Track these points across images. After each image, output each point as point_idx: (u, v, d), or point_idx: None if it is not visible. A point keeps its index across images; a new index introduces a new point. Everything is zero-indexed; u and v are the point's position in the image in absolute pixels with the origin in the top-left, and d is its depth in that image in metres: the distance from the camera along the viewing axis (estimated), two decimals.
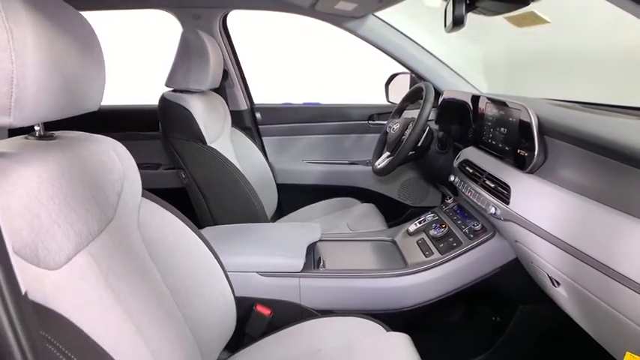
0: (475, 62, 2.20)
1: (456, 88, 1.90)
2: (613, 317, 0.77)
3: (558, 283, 0.97)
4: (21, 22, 0.54)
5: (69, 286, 0.63)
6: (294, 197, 2.10)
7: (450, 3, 1.07)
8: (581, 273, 0.85)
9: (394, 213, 2.03)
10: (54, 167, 0.66)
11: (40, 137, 0.73)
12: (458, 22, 1.06)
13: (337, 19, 1.81)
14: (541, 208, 0.98)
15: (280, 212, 2.12)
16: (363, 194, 2.08)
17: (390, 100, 2.00)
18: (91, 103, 0.73)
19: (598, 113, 1.21)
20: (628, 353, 0.69)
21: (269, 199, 1.96)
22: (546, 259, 0.97)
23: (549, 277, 1.00)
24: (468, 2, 1.06)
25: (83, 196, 0.71)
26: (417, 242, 1.42)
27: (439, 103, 1.80)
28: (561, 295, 0.98)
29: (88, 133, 0.82)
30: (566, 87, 1.91)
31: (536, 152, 1.04)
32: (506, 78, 2.34)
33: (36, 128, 0.74)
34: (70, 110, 0.68)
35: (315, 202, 2.04)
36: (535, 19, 1.15)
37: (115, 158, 0.83)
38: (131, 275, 0.80)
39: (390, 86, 2.02)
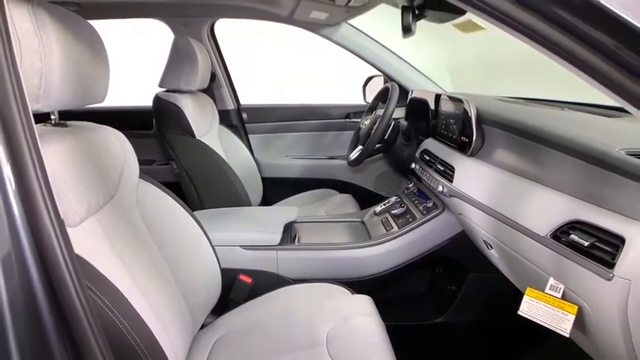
0: (444, 66, 2.40)
1: (423, 88, 2.09)
2: (521, 263, 0.96)
3: (491, 246, 1.16)
4: (48, 31, 0.71)
5: (83, 242, 0.79)
6: (278, 190, 2.28)
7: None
8: (502, 232, 1.04)
9: (370, 203, 2.20)
10: (68, 148, 0.82)
11: (56, 124, 0.90)
12: (407, 30, 1.24)
13: (313, 26, 2.01)
14: (477, 184, 1.17)
15: (265, 204, 2.29)
16: (341, 186, 2.27)
17: (367, 101, 2.19)
18: (99, 96, 0.90)
19: (532, 106, 1.41)
20: (528, 288, 0.87)
21: (255, 192, 2.14)
22: (480, 226, 1.16)
23: (484, 241, 1.19)
24: (415, 12, 1.25)
25: (91, 173, 0.87)
26: (381, 221, 1.61)
27: (407, 101, 1.98)
28: (494, 256, 1.17)
29: (94, 123, 0.98)
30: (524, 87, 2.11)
31: (474, 138, 1.23)
32: (479, 80, 2.54)
33: (52, 117, 0.90)
34: (83, 100, 0.84)
35: (297, 194, 2.22)
36: (474, 26, 1.35)
37: (116, 144, 0.99)
38: (131, 242, 0.95)
39: (366, 88, 2.22)
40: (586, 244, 0.75)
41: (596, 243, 0.74)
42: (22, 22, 0.69)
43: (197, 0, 1.92)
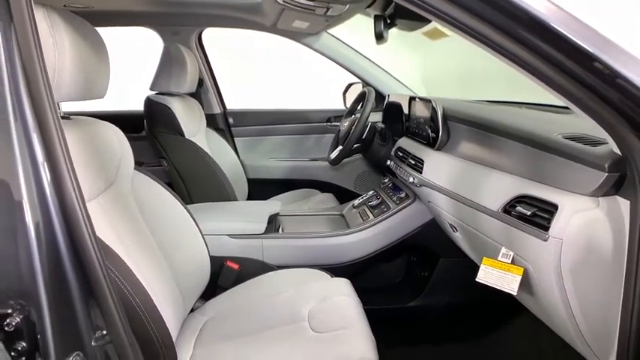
0: (418, 73, 2.56)
1: (398, 93, 2.24)
2: (479, 238, 1.09)
3: (456, 229, 1.29)
4: (61, 32, 0.82)
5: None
6: (263, 190, 2.38)
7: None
8: (463, 213, 1.16)
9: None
10: (73, 139, 0.91)
11: (61, 117, 0.99)
12: (379, 37, 1.38)
13: (296, 35, 2.14)
14: (442, 173, 1.30)
15: None
16: (323, 186, 2.38)
17: (347, 106, 2.33)
18: (101, 91, 0.99)
19: (494, 106, 1.56)
20: (484, 258, 0.99)
21: (240, 192, 2.24)
22: (446, 210, 1.29)
23: (450, 224, 1.31)
24: (387, 21, 1.39)
25: (93, 162, 0.96)
26: (359, 212, 1.74)
27: (384, 105, 2.12)
28: (458, 237, 1.30)
29: (94, 118, 1.07)
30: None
31: (440, 133, 1.36)
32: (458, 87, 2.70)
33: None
34: (88, 94, 0.93)
35: (281, 194, 2.33)
36: (441, 34, 1.50)
37: (114, 138, 1.08)
38: (128, 227, 1.02)
39: (346, 94, 2.36)
40: (528, 213, 0.88)
41: (537, 212, 0.87)
42: (39, 23, 0.79)
43: (186, 9, 2.03)
